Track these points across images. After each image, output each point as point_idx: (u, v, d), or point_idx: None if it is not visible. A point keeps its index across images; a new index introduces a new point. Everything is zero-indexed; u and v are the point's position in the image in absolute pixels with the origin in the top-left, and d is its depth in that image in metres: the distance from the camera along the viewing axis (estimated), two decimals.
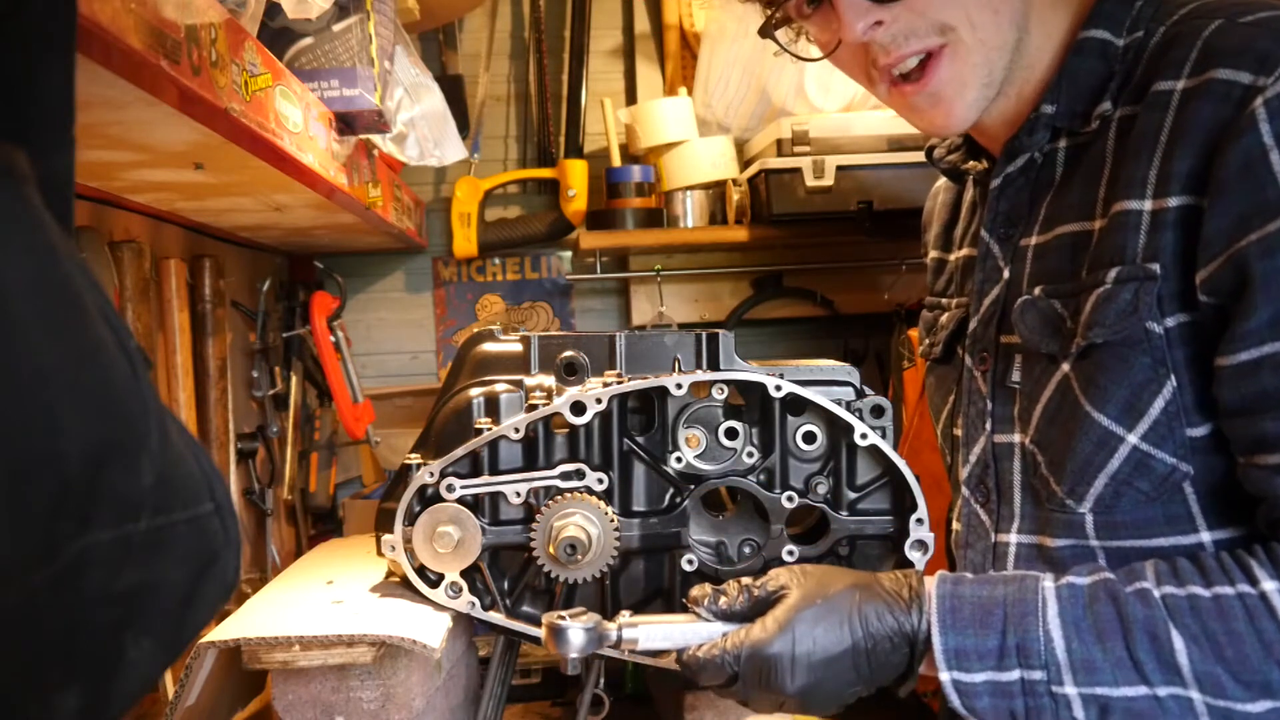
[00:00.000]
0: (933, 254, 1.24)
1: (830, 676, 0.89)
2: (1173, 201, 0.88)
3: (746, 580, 0.96)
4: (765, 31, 1.08)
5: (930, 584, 0.91)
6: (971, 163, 1.14)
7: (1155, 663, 0.83)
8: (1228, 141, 0.84)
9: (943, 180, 1.26)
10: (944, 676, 0.87)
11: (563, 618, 0.92)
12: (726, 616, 0.94)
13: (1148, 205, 0.90)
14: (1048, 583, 0.88)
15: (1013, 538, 1.01)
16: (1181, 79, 0.89)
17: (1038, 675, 0.85)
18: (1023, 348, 1.00)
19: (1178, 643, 0.82)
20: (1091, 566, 0.90)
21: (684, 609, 1.11)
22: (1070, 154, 1.00)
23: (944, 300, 1.18)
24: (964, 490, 1.07)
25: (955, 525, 1.08)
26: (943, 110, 1.00)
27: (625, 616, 0.96)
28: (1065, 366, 0.95)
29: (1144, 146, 0.91)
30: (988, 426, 1.04)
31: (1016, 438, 1.01)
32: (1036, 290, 0.99)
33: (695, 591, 0.97)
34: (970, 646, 0.87)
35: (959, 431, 1.09)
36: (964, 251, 1.15)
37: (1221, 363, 0.85)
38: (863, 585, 0.92)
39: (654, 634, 0.94)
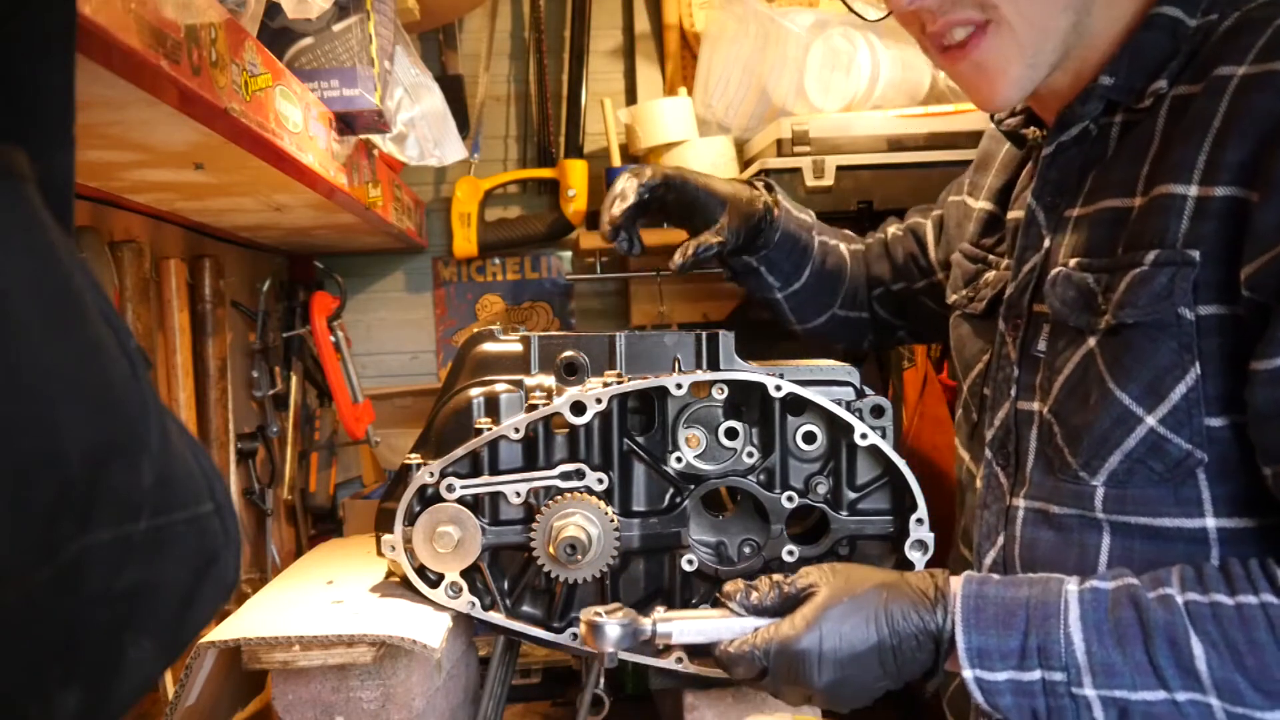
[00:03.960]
0: (984, 205, 1.22)
1: (856, 672, 0.91)
2: (1219, 191, 0.87)
3: (778, 577, 0.98)
4: None
5: (956, 584, 0.93)
6: (1033, 129, 1.12)
7: (1174, 668, 0.83)
8: None
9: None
10: (967, 674, 0.88)
11: (599, 614, 0.95)
12: (758, 611, 0.97)
13: (1193, 191, 0.89)
14: (1071, 586, 0.89)
15: (1022, 502, 1.02)
16: (1244, 65, 0.88)
17: (1058, 676, 0.86)
18: (1051, 318, 1.00)
19: (1197, 649, 0.83)
20: (1116, 571, 0.90)
21: (685, 609, 1.12)
22: (1124, 129, 0.99)
23: (991, 256, 1.17)
24: (987, 452, 1.07)
25: (977, 485, 1.08)
26: (987, 82, 0.99)
27: (660, 612, 0.98)
28: (1091, 342, 0.95)
29: (1196, 130, 0.90)
30: (1012, 393, 1.04)
31: (1036, 406, 1.01)
32: (1072, 263, 0.98)
33: (728, 587, 0.99)
34: (993, 646, 0.88)
35: (989, 391, 1.09)
36: (1016, 213, 1.14)
37: (1256, 366, 0.84)
38: (890, 584, 0.94)
39: (688, 629, 0.97)
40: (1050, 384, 0.99)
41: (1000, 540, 1.04)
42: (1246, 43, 0.89)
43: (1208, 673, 0.82)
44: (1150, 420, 0.90)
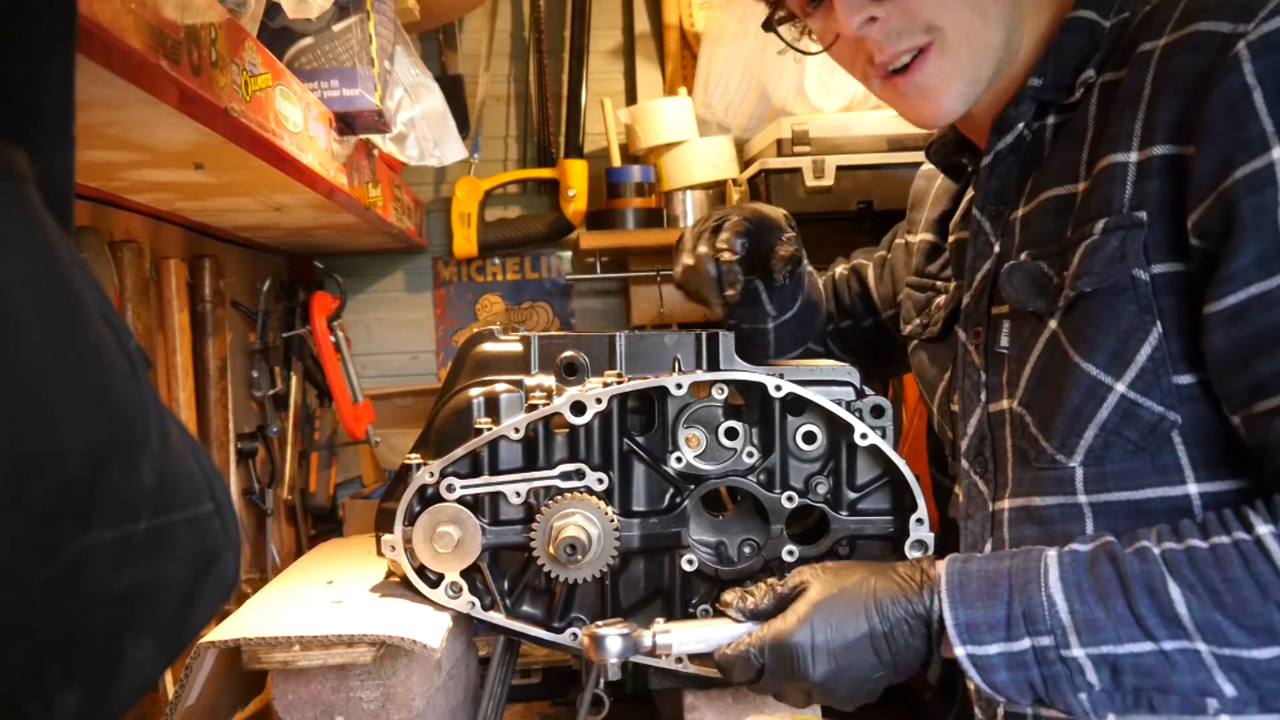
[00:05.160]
0: (924, 236, 1.25)
1: (851, 663, 0.92)
2: (1158, 150, 0.89)
3: (772, 580, 0.99)
4: (768, 26, 1.13)
5: (941, 565, 0.94)
6: (967, 156, 1.16)
7: (1157, 617, 0.84)
8: (1211, 86, 0.85)
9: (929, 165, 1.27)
10: (959, 652, 0.89)
11: (599, 626, 0.97)
12: (755, 616, 0.98)
13: (1133, 157, 0.91)
14: (1051, 552, 0.90)
15: (1006, 504, 1.02)
16: (1164, 37, 0.91)
17: (1046, 641, 0.86)
18: (1010, 313, 1.02)
19: (1175, 594, 0.83)
20: (1095, 535, 0.90)
21: (685, 609, 1.12)
22: (1057, 129, 1.03)
23: (938, 283, 1.19)
24: (964, 463, 1.07)
25: (960, 499, 1.09)
26: (930, 102, 1.03)
27: (660, 623, 0.99)
28: (1053, 323, 0.96)
29: (1129, 103, 0.92)
30: (982, 397, 1.05)
31: (1005, 404, 1.02)
32: (1023, 255, 1.00)
33: (726, 595, 1.01)
34: (980, 619, 0.89)
35: (956, 406, 1.10)
36: (957, 236, 1.16)
37: (1210, 309, 0.85)
38: (878, 573, 0.95)
39: (686, 637, 0.99)
40: (1018, 377, 1.00)
41: (988, 548, 1.04)
42: (1162, 19, 0.93)
43: (1189, 616, 0.83)
44: (1120, 387, 0.91)
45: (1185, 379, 0.89)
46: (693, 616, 1.12)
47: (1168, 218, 0.89)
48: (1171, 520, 0.90)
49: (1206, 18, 0.88)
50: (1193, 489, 0.91)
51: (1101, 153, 0.94)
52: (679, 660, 1.04)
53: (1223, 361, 0.86)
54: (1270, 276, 0.82)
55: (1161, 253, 0.89)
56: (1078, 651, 0.86)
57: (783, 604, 0.96)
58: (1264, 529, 0.82)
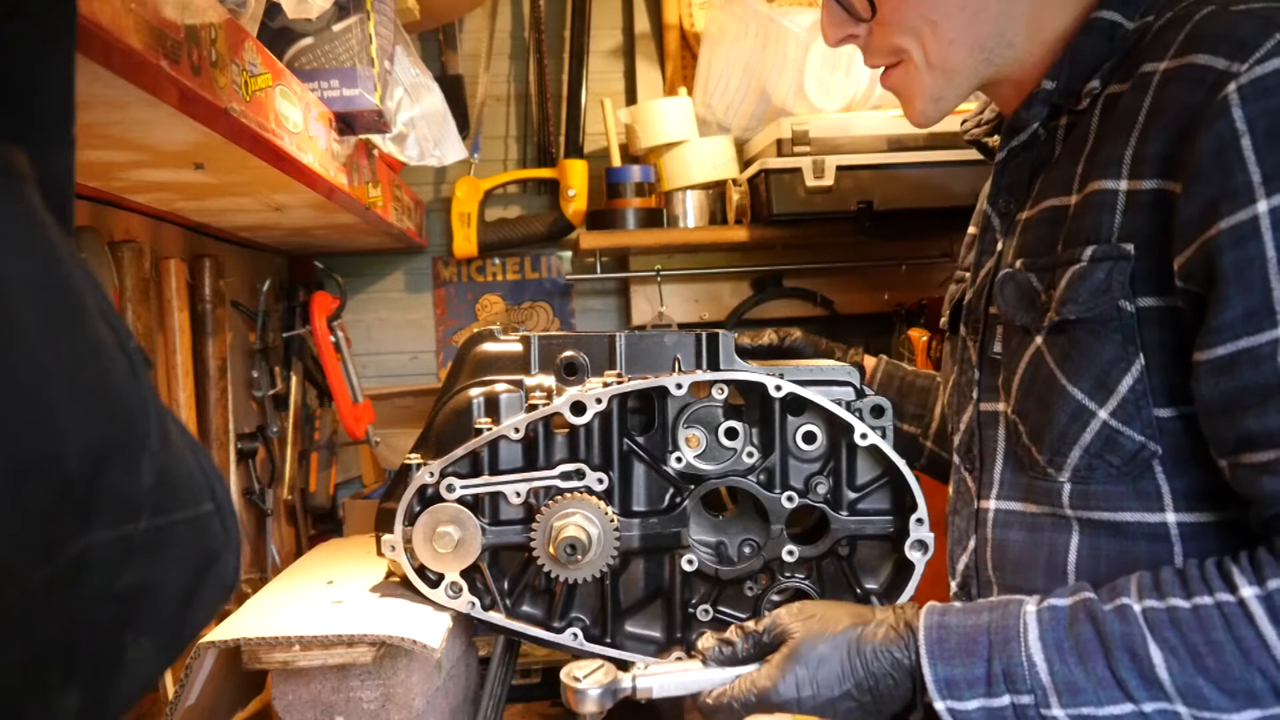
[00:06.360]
0: (970, 230, 1.25)
1: (835, 713, 0.93)
2: (1147, 184, 0.89)
3: (748, 625, 0.99)
4: None
5: (920, 615, 0.93)
6: (995, 137, 1.15)
7: (1138, 679, 0.83)
8: (1200, 126, 0.85)
9: None
10: (939, 705, 0.89)
11: (577, 678, 0.96)
12: (734, 664, 0.98)
13: (1123, 185, 0.91)
14: (1030, 606, 0.89)
15: (992, 504, 1.03)
16: (1165, 60, 0.91)
17: (1026, 700, 0.86)
18: (1001, 319, 1.02)
19: (1156, 657, 0.82)
20: (1074, 586, 0.90)
21: (685, 609, 1.12)
22: (1067, 131, 1.02)
23: (965, 274, 1.19)
24: (955, 457, 1.08)
25: (949, 491, 1.10)
26: (905, 106, 1.10)
27: (639, 668, 0.99)
28: (1038, 340, 0.97)
29: (1124, 126, 0.92)
30: (974, 395, 1.06)
31: (1000, 406, 1.03)
32: (1017, 264, 1.01)
33: (702, 643, 1.00)
34: (959, 676, 0.88)
35: (956, 399, 1.11)
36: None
37: (1199, 357, 0.85)
38: (862, 623, 0.94)
39: (667, 683, 0.98)
40: (1009, 384, 1.01)
41: (971, 544, 1.05)
42: (1169, 39, 0.91)
43: (1169, 680, 0.82)
44: (1103, 414, 0.91)
45: (1165, 412, 0.90)
46: (693, 617, 1.12)
47: (1154, 253, 0.89)
48: (1150, 546, 0.91)
49: (1205, 49, 0.87)
50: (1171, 518, 0.91)
51: (1093, 174, 0.94)
52: (678, 659, 1.04)
53: (1212, 409, 0.86)
54: (1259, 332, 0.82)
55: (1147, 286, 0.89)
56: (1058, 711, 0.85)
57: (763, 651, 0.96)
58: (1248, 591, 0.81)
